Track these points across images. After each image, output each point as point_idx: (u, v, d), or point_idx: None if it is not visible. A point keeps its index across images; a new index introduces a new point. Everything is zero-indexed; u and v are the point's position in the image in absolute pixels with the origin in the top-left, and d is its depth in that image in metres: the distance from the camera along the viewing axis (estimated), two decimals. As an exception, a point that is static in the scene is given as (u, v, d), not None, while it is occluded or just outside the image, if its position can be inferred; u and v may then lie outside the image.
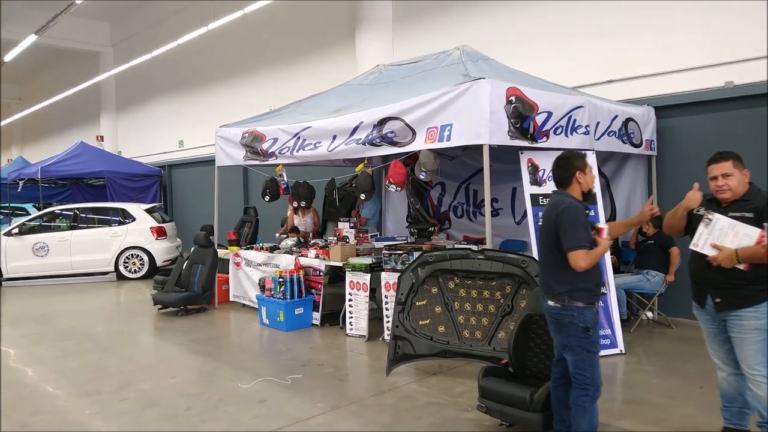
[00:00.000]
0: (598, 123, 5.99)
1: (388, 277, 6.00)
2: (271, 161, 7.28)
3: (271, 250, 7.87)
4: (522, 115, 5.13)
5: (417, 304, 5.09)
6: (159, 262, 11.66)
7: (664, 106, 6.88)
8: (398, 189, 5.77)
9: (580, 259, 3.16)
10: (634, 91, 7.12)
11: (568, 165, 3.39)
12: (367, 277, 6.26)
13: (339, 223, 7.72)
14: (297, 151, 6.82)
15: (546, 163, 5.59)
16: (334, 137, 6.32)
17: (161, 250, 11.78)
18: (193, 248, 8.46)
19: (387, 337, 5.97)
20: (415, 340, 5.03)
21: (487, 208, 5.19)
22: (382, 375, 5.07)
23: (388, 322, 6.01)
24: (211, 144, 14.49)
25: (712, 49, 6.51)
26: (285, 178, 7.48)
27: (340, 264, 6.70)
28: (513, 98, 5.06)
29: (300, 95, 8.37)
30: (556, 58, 7.86)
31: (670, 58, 6.84)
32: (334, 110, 6.89)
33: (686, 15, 6.69)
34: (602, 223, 5.85)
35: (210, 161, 15.41)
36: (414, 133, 5.47)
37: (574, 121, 5.69)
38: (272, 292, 7.06)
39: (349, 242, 7.16)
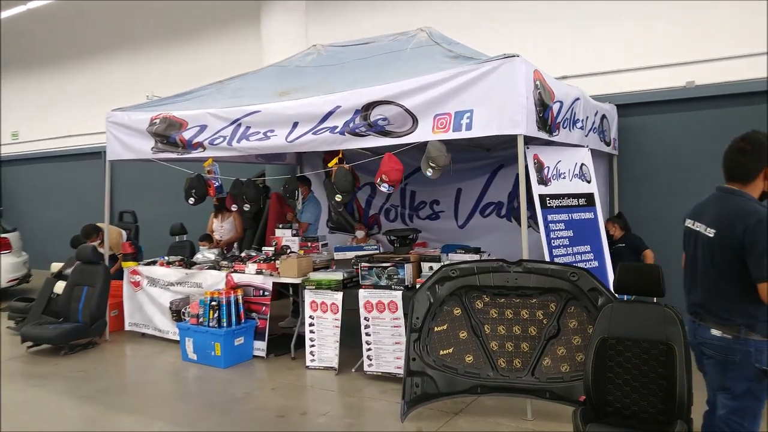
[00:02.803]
0: (587, 118, 5.53)
1: (368, 296, 4.95)
2: (196, 154, 5.80)
3: (188, 265, 6.33)
4: (543, 104, 4.43)
5: (436, 329, 4.14)
6: (2, 283, 9.18)
7: (625, 105, 6.67)
8: (392, 189, 4.76)
9: None
10: (594, 87, 6.83)
11: (760, 151, 2.65)
12: (338, 296, 5.14)
13: (276, 230, 6.43)
14: (238, 142, 5.45)
15: (551, 159, 4.96)
16: (295, 125, 5.10)
17: (5, 267, 9.28)
18: (75, 265, 6.56)
19: (369, 369, 4.93)
20: (437, 376, 4.07)
21: (523, 213, 4.44)
22: (392, 422, 4.04)
23: (369, 350, 4.96)
24: (62, 136, 12.17)
25: (674, 48, 6.42)
26: (218, 175, 6.02)
27: (296, 281, 5.48)
28: (538, 83, 4.34)
29: (187, 81, 6.92)
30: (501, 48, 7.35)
31: (630, 55, 6.65)
32: (279, 93, 5.66)
33: (649, 12, 6.54)
34: (602, 229, 5.50)
35: (57, 157, 12.92)
36: (415, 120, 4.50)
37: (574, 114, 5.15)
38: (201, 319, 5.60)
39: (296, 254, 5.93)
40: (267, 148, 5.35)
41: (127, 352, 6.21)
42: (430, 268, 4.96)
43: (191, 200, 5.90)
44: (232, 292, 5.61)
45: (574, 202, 5.08)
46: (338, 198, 5.09)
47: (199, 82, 7.00)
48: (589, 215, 5.18)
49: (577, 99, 5.20)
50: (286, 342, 5.83)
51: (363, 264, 5.03)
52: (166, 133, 5.89)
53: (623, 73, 6.69)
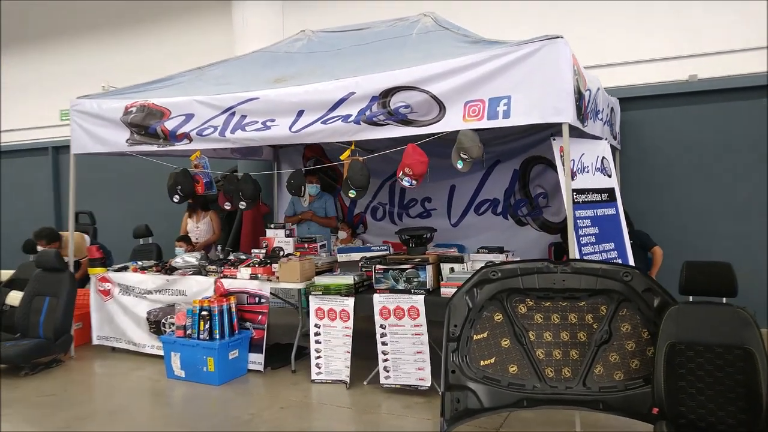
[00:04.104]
0: (603, 109, 5.30)
1: (384, 301, 4.51)
2: (181, 146, 5.19)
3: (168, 271, 5.69)
4: (579, 91, 4.13)
5: (475, 337, 3.75)
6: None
7: (625, 98, 6.50)
8: (414, 183, 4.33)
9: None
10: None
11: None
12: (349, 302, 4.68)
13: (267, 230, 5.88)
14: (232, 132, 4.90)
15: (576, 152, 4.66)
16: (301, 113, 4.61)
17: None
18: (35, 272, 5.79)
19: (385, 381, 4.50)
20: (479, 389, 3.68)
21: (569, 207, 4.09)
22: (431, 441, 3.64)
23: (386, 361, 4.52)
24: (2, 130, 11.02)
25: (676, 41, 6.30)
26: (208, 170, 5.41)
27: (299, 286, 4.97)
28: (575, 68, 4.03)
29: (146, 71, 6.28)
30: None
31: (633, 48, 6.50)
32: (274, 80, 5.15)
33: (652, 5, 6.39)
34: (623, 225, 5.26)
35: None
36: (442, 107, 4.10)
37: (597, 104, 4.89)
38: (189, 331, 5.01)
39: (291, 256, 5.42)
40: (267, 139, 4.82)
41: (100, 370, 5.52)
42: (451, 269, 4.58)
43: (176, 198, 5.29)
44: (224, 300, 5.04)
45: (598, 197, 4.82)
46: (352, 194, 4.63)
47: (161, 71, 6.33)
48: (611, 211, 4.93)
49: (599, 89, 4.95)
50: (283, 353, 5.32)
51: (378, 266, 4.58)
52: (145, 123, 5.25)
53: (624, 66, 6.53)
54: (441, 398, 3.65)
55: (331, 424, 4.07)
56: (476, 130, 4.08)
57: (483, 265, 3.87)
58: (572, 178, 4.64)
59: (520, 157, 6.55)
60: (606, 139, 5.13)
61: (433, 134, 4.20)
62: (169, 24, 9.40)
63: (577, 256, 4.39)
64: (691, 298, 3.29)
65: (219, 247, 6.33)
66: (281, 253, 5.61)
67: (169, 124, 5.16)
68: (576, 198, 4.58)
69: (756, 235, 5.96)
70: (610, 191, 4.98)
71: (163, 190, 5.62)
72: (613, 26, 6.61)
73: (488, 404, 3.68)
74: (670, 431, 2.94)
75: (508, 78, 3.87)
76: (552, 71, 3.75)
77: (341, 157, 4.70)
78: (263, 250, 5.73)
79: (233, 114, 4.91)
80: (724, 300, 3.20)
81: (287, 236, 5.77)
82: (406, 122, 4.23)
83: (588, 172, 4.75)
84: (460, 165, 4.08)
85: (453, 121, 4.05)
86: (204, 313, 4.94)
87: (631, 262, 5.01)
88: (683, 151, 6.31)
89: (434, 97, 4.08)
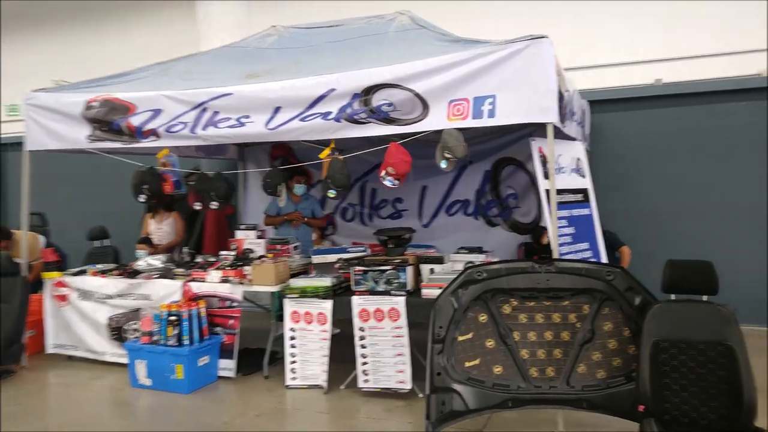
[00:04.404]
0: (576, 111, 5.37)
1: (364, 303, 4.42)
2: (147, 143, 4.96)
3: (131, 274, 5.43)
4: (560, 92, 4.15)
5: (460, 339, 3.71)
6: None
7: (594, 101, 6.62)
8: (397, 183, 4.26)
9: None
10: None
11: None
12: (327, 304, 4.56)
13: (237, 231, 5.69)
14: (204, 129, 4.71)
15: (555, 151, 4.71)
16: (277, 110, 4.47)
17: None
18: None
19: (364, 385, 4.41)
20: (464, 390, 3.64)
21: (553, 207, 4.10)
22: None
23: (364, 364, 4.43)
24: None
25: (641, 46, 6.46)
26: (177, 167, 5.18)
27: (274, 289, 4.82)
28: (557, 68, 4.05)
29: (105, 65, 6.00)
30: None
31: (598, 52, 6.63)
32: (246, 76, 4.99)
33: (617, 9, 6.54)
34: (597, 225, 5.32)
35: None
36: (426, 106, 4.05)
37: (573, 106, 4.95)
38: (156, 337, 4.78)
39: (264, 258, 5.26)
40: (242, 137, 4.67)
41: (56, 380, 5.21)
42: (431, 270, 4.53)
43: (142, 198, 5.05)
44: (193, 304, 4.84)
45: (573, 197, 4.88)
46: (331, 194, 4.52)
47: (118, 67, 6.04)
48: (586, 211, 5.00)
49: (574, 90, 5.02)
50: (254, 359, 5.15)
51: (357, 268, 4.49)
52: (108, 119, 5.00)
53: (591, 69, 6.65)
54: (426, 401, 3.57)
55: (310, 431, 3.94)
56: (459, 130, 4.03)
57: (465, 265, 3.85)
58: (549, 178, 4.69)
59: (492, 158, 6.58)
60: (582, 140, 5.20)
61: (416, 133, 4.15)
62: (130, 19, 9.05)
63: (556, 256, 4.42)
64: (673, 297, 3.34)
65: (184, 249, 6.07)
66: (252, 255, 5.43)
67: (135, 120, 4.92)
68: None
69: (725, 235, 6.15)
70: (585, 192, 5.04)
71: (119, 189, 5.38)
72: (581, 30, 6.72)
73: (473, 406, 3.64)
74: (659, 429, 2.95)
75: (493, 77, 3.85)
76: (537, 71, 3.75)
77: (320, 156, 4.58)
78: (232, 252, 5.54)
79: (205, 110, 4.73)
80: (705, 298, 3.27)
81: (258, 237, 5.60)
82: (388, 120, 4.16)
83: (564, 172, 4.80)
84: (444, 165, 4.03)
85: (437, 120, 4.01)
86: (172, 318, 4.73)
87: (604, 262, 5.09)
88: (650, 152, 6.48)
89: (418, 96, 4.03)
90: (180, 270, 5.26)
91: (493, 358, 3.73)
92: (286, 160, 7.57)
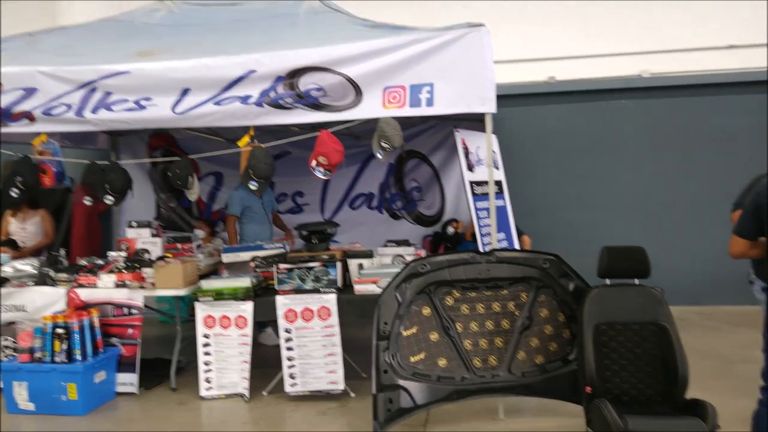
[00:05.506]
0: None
1: (290, 303, 4.12)
2: (17, 127, 4.19)
3: (-3, 282, 4.58)
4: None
5: (405, 334, 3.58)
6: None
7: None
8: (328, 173, 3.97)
9: None
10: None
11: None
12: (247, 307, 4.19)
13: (128, 230, 5.04)
14: (93, 112, 4.08)
15: (473, 144, 4.77)
16: (186, 92, 3.99)
17: None
18: None
19: (292, 389, 4.12)
20: (411, 386, 3.52)
21: (492, 199, 4.08)
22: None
23: (292, 367, 4.13)
24: None
25: (535, 43, 6.76)
26: (59, 157, 4.41)
27: (182, 293, 4.33)
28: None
29: None
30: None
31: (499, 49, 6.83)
32: (137, 53, 4.42)
33: (513, 11, 6.78)
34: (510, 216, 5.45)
35: None
36: (359, 92, 3.84)
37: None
38: (39, 354, 4.08)
39: (167, 259, 4.72)
40: (144, 121, 4.11)
41: None
42: (360, 266, 4.34)
43: (14, 192, 4.25)
44: (83, 314, 4.19)
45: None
46: (253, 186, 4.13)
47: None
48: (501, 202, 5.11)
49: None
50: (154, 371, 4.60)
51: (281, 266, 4.16)
52: (-36, 98, 4.15)
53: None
54: (373, 400, 3.41)
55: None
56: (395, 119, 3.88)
57: (393, 259, 3.74)
58: (471, 170, 4.73)
59: (395, 152, 6.52)
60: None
61: (349, 121, 3.93)
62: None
63: (481, 248, 4.45)
64: (608, 281, 3.49)
65: (61, 251, 5.24)
66: (148, 257, 4.84)
67: (3, 100, 4.14)
68: (475, 190, 4.65)
69: (614, 224, 6.65)
70: (500, 184, 5.16)
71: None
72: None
73: (421, 401, 3.56)
74: (608, 407, 3.04)
75: (431, 64, 3.76)
76: (477, 60, 3.73)
77: (239, 144, 4.17)
78: (122, 253, 4.89)
79: (94, 90, 4.11)
80: (637, 281, 3.45)
81: (153, 236, 5.01)
82: (317, 107, 3.89)
83: (482, 164, 4.86)
84: (380, 155, 3.87)
85: (371, 108, 3.83)
86: (59, 330, 4.05)
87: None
88: (548, 146, 6.82)
89: (350, 81, 3.81)
90: (62, 275, 4.53)
91: (438, 350, 3.67)
92: (168, 151, 6.91)
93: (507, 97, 6.79)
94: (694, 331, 5.38)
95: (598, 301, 3.39)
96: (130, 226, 5.03)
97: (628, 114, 6.61)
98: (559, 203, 6.78)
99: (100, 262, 4.72)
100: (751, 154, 5.87)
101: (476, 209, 4.52)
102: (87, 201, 4.60)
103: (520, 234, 6.14)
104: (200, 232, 6.30)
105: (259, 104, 3.92)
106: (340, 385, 4.09)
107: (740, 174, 4.04)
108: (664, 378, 3.24)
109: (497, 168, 5.14)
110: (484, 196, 4.70)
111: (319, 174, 3.98)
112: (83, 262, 4.73)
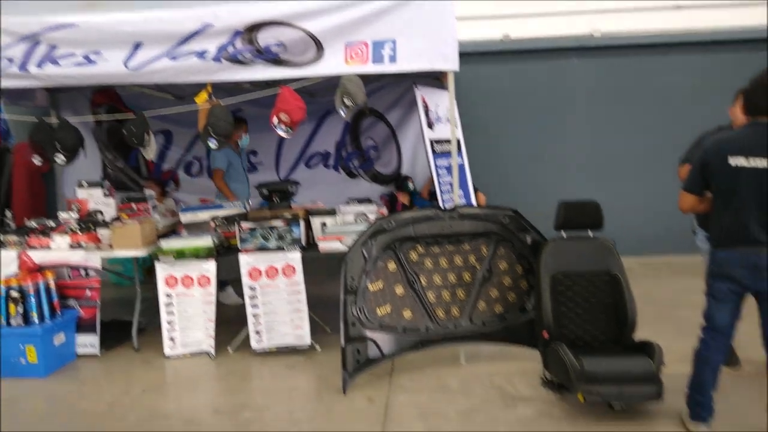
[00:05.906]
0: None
1: (253, 262, 4.13)
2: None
3: (-60, 246, 4.36)
4: (447, 40, 4.18)
5: (371, 288, 3.67)
6: None
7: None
8: (290, 131, 3.92)
9: None
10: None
11: None
12: (210, 266, 4.18)
13: (78, 190, 4.87)
14: (39, 67, 3.88)
15: (433, 102, 4.80)
16: (138, 46, 3.83)
17: None
18: None
19: (258, 345, 4.18)
20: (378, 338, 3.64)
21: (454, 158, 4.13)
22: (331, 396, 3.49)
23: (258, 323, 4.17)
24: None
25: (490, 1, 6.76)
26: (3, 114, 4.17)
27: (141, 253, 4.25)
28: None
29: None
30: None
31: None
32: (84, 3, 4.20)
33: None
34: (468, 174, 5.53)
35: None
36: (320, 47, 3.78)
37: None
38: (-7, 319, 3.97)
39: (123, 219, 4.61)
40: (94, 77, 3.93)
41: None
42: (323, 224, 4.36)
43: (-45, 151, 4.03)
44: (38, 276, 4.08)
45: (449, 147, 5.02)
46: (212, 145, 4.05)
47: None
48: (460, 160, 5.19)
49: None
50: (113, 332, 4.55)
51: (244, 225, 4.15)
52: None
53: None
54: (341, 351, 3.51)
55: (217, 399, 3.64)
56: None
57: (355, 217, 3.79)
58: (431, 128, 4.77)
59: (356, 108, 6.48)
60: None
61: (310, 77, 3.88)
62: None
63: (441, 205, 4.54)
64: (563, 234, 3.65)
65: (7, 213, 5.03)
66: (101, 218, 4.71)
67: (-63, 52, 3.87)
68: (435, 148, 4.70)
69: (563, 179, 6.88)
70: (458, 142, 5.22)
71: None
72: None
73: (387, 351, 3.68)
74: (565, 350, 3.23)
75: (394, 21, 3.73)
76: (438, 17, 3.72)
77: (196, 100, 4.06)
78: (74, 214, 4.74)
79: (38, 43, 3.89)
80: (591, 234, 3.63)
81: (106, 196, 4.86)
82: (277, 62, 3.82)
83: (441, 122, 4.91)
84: (343, 112, 3.85)
85: (333, 64, 3.78)
86: (14, 293, 3.94)
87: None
88: (501, 104, 6.92)
89: (311, 36, 3.75)
90: (12, 237, 4.36)
91: (403, 303, 3.79)
92: (113, 108, 6.63)
93: (463, 55, 6.83)
94: (637, 281, 5.70)
95: (554, 252, 3.57)
96: (80, 186, 4.86)
97: (580, 72, 6.77)
98: (513, 160, 6.95)
99: (51, 223, 4.56)
100: (694, 110, 6.14)
101: (436, 167, 4.59)
102: (36, 160, 4.40)
103: (475, 191, 6.29)
104: (151, 192, 6.15)
105: (217, 59, 3.81)
106: (307, 340, 4.17)
107: (684, 130, 4.24)
108: (615, 323, 3.47)
109: (456, 126, 5.20)
110: (444, 154, 4.77)
111: (281, 131, 3.94)
112: (32, 223, 4.56)
